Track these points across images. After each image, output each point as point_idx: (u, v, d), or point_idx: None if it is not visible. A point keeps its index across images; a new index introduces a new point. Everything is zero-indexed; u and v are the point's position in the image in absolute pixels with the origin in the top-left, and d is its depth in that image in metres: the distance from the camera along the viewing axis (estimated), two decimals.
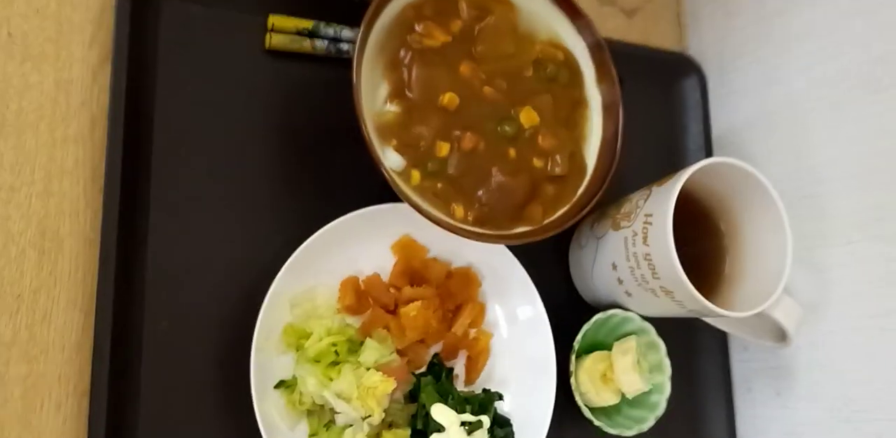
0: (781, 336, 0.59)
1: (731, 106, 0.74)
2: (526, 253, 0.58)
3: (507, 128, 0.55)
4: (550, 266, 0.65)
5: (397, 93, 0.53)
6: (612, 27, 0.75)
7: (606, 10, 0.76)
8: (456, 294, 0.58)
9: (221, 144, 0.55)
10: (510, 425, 0.56)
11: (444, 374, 0.55)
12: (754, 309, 0.55)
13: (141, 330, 0.50)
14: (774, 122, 0.69)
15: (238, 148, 0.56)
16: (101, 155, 0.51)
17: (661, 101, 0.76)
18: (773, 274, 0.57)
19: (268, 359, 0.51)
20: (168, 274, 0.51)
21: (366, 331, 0.54)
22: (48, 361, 0.48)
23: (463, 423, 0.52)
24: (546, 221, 0.56)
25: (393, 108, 0.53)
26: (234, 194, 0.55)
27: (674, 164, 0.73)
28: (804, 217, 0.64)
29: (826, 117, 0.64)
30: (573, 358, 0.58)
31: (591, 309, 0.63)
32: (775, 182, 0.57)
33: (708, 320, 0.66)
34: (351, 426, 0.51)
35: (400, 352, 0.54)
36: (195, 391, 0.51)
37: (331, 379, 0.51)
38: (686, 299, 0.54)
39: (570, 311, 0.63)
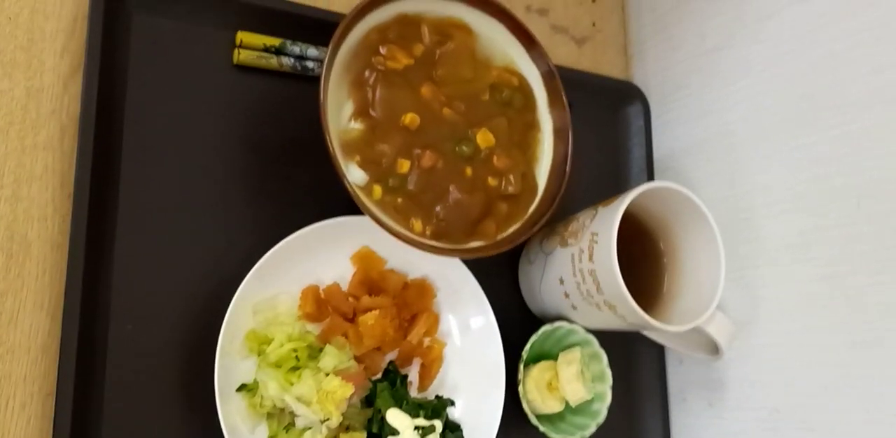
0: (714, 349, 0.62)
1: (671, 133, 0.78)
2: (478, 268, 0.60)
3: (464, 148, 0.57)
4: (501, 280, 0.67)
5: (361, 112, 0.54)
6: (563, 54, 0.79)
7: (558, 38, 0.79)
8: (412, 304, 0.59)
9: (189, 155, 0.56)
10: (461, 429, 0.58)
11: (399, 381, 0.57)
12: (690, 324, 0.58)
13: (106, 334, 0.50)
14: (711, 150, 0.73)
15: (206, 159, 0.57)
16: (70, 162, 0.52)
17: (607, 126, 0.79)
18: (708, 292, 0.60)
19: (231, 363, 0.52)
20: (134, 280, 0.52)
21: (325, 338, 0.55)
22: (14, 362, 0.48)
23: (416, 427, 0.54)
24: (499, 237, 0.58)
25: (357, 126, 0.54)
26: (201, 203, 0.56)
27: (618, 186, 0.77)
28: (737, 239, 0.68)
29: (758, 147, 0.68)
30: (521, 367, 0.61)
31: (538, 321, 0.66)
32: (711, 206, 0.61)
33: (647, 333, 0.69)
34: (310, 428, 0.52)
35: (357, 359, 0.55)
36: (159, 393, 0.51)
37: (291, 384, 0.52)
38: (627, 313, 0.57)
39: (518, 323, 0.65)
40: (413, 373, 0.60)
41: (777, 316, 0.65)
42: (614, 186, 0.77)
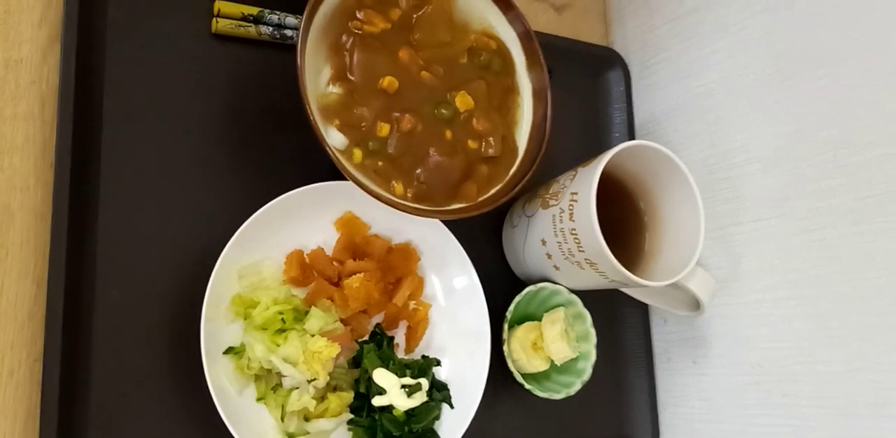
0: (696, 305, 0.63)
1: (652, 97, 0.78)
2: (463, 234, 0.61)
3: (443, 111, 0.58)
4: (485, 246, 0.68)
5: (339, 76, 0.55)
6: (543, 21, 0.79)
7: (538, 5, 0.79)
8: (396, 267, 0.60)
9: (170, 124, 0.56)
10: (447, 389, 0.59)
11: (385, 342, 0.58)
12: (671, 279, 0.59)
13: (92, 300, 0.51)
14: (691, 111, 0.74)
15: (186, 127, 0.57)
16: (51, 132, 0.52)
17: (588, 92, 0.80)
18: (688, 248, 0.60)
19: (217, 328, 0.52)
20: (118, 247, 0.52)
21: (310, 301, 0.56)
22: (0, 329, 0.49)
23: (403, 386, 0.54)
24: (480, 199, 0.59)
25: (335, 90, 0.54)
26: (182, 171, 0.56)
27: (599, 150, 0.75)
28: (719, 198, 0.69)
29: (737, 106, 0.69)
30: (506, 327, 0.61)
31: (523, 284, 0.66)
32: (692, 166, 0.62)
33: (630, 292, 0.70)
34: (297, 389, 0.53)
35: (343, 322, 0.56)
36: (147, 358, 0.52)
37: (277, 345, 0.52)
38: (608, 270, 0.58)
39: (503, 286, 0.66)
40: (399, 336, 0.60)
41: (757, 272, 0.66)
42: (596, 151, 0.75)
